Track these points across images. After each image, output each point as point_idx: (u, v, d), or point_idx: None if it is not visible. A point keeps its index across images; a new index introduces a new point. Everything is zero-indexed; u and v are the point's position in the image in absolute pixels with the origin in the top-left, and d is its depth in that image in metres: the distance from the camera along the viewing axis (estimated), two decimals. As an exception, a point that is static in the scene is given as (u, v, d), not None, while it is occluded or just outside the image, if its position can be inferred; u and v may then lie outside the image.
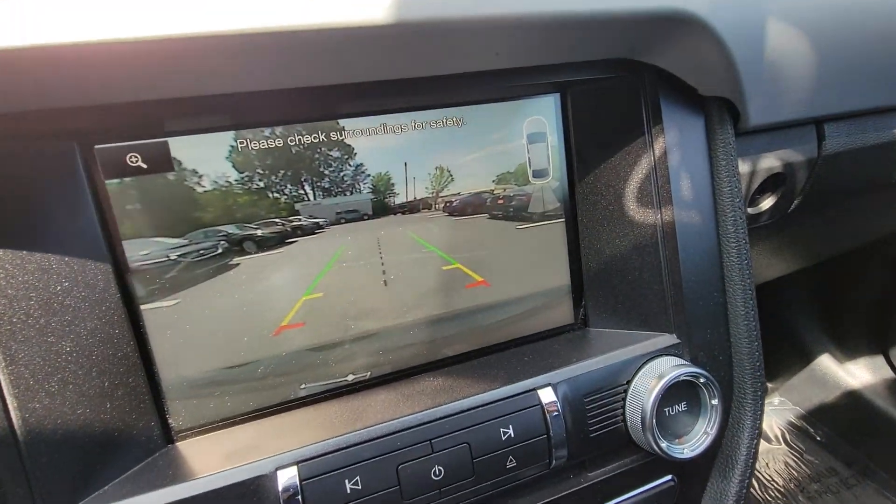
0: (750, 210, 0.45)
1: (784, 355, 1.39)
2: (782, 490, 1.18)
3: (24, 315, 0.26)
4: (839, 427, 1.28)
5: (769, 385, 1.42)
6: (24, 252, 0.26)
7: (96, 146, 0.28)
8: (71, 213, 0.28)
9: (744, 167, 0.41)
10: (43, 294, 0.26)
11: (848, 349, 1.28)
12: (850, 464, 1.18)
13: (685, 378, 0.35)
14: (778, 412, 1.39)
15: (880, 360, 1.23)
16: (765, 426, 1.35)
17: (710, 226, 0.38)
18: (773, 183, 0.44)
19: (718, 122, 0.37)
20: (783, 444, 1.32)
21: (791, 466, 1.24)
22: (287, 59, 0.26)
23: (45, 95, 0.24)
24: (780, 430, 1.35)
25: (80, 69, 0.23)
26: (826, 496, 1.15)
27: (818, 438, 1.28)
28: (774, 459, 1.29)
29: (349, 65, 0.28)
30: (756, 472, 1.20)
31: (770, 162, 0.42)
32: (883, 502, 1.09)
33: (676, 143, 0.37)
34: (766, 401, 1.44)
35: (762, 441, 1.29)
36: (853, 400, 1.25)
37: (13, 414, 0.25)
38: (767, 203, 0.45)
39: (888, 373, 1.21)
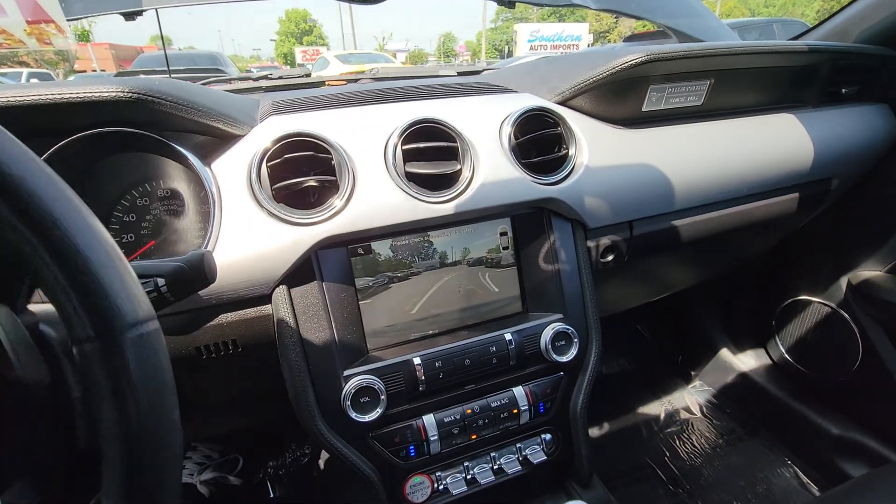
0: (602, 260, 0.99)
1: (700, 350, 1.86)
2: (697, 446, 1.65)
3: (336, 305, 0.79)
4: (737, 400, 1.75)
5: (692, 373, 1.90)
6: (334, 283, 0.79)
7: (349, 246, 0.83)
8: (342, 270, 0.81)
9: (592, 244, 0.94)
10: (339, 298, 0.80)
11: (740, 344, 1.76)
12: (744, 425, 1.67)
13: (562, 330, 0.87)
14: (698, 392, 1.88)
15: (761, 351, 1.71)
16: (688, 402, 1.83)
17: (575, 270, 0.91)
18: (610, 249, 0.97)
19: (576, 227, 0.89)
20: (700, 414, 1.80)
21: (705, 431, 1.72)
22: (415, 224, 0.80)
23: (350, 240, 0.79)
24: (699, 404, 1.83)
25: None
26: (728, 448, 1.63)
27: (725, 410, 1.77)
28: (694, 426, 1.77)
29: (433, 222, 0.83)
30: (680, 434, 1.70)
31: (605, 241, 0.93)
32: (762, 451, 1.56)
33: (559, 236, 0.90)
34: (690, 384, 1.95)
35: (687, 412, 1.82)
36: (745, 380, 1.73)
37: (335, 335, 0.78)
38: (610, 257, 0.98)
39: (766, 360, 1.69)
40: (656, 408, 1.55)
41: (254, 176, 0.72)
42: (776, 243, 1.20)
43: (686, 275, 1.13)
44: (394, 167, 0.68)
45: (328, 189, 0.66)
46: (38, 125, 0.62)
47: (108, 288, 0.23)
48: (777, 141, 0.90)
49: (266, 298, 0.65)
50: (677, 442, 1.46)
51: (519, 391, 0.78)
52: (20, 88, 0.56)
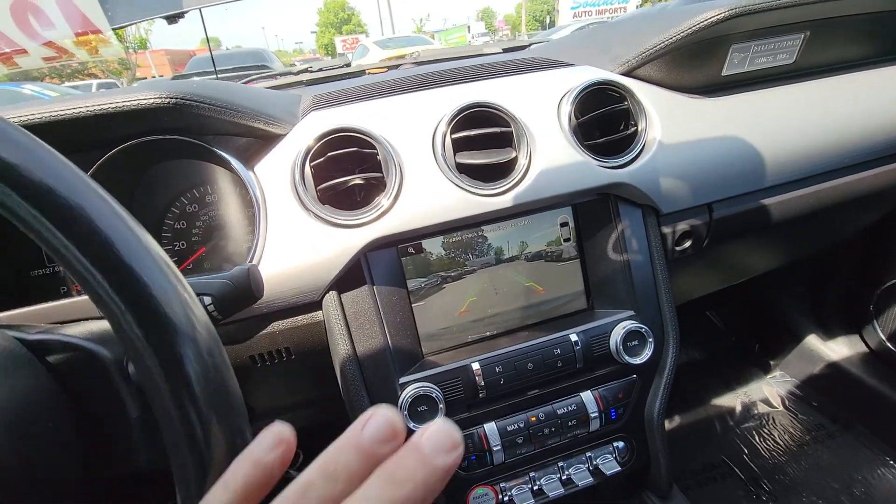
0: (677, 248, 0.88)
1: (782, 337, 1.70)
2: (780, 442, 1.51)
3: (388, 309, 0.75)
4: (826, 392, 1.59)
5: (771, 363, 1.74)
6: (386, 286, 0.75)
7: (399, 246, 0.77)
8: (394, 271, 0.77)
9: (667, 230, 0.84)
10: (392, 301, 0.75)
11: (830, 331, 1.59)
12: (835, 420, 1.51)
13: (635, 329, 0.79)
14: (779, 383, 1.73)
15: (855, 338, 1.53)
16: (767, 394, 1.69)
17: (647, 261, 0.81)
18: (686, 235, 0.86)
19: (647, 213, 0.80)
20: (782, 407, 1.65)
21: (789, 424, 1.57)
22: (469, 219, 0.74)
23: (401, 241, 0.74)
24: (780, 397, 1.68)
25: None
26: (816, 445, 1.49)
27: (811, 402, 1.61)
28: (776, 420, 1.62)
29: (488, 216, 0.76)
30: (759, 429, 1.56)
31: (682, 226, 0.84)
32: (858, 448, 1.41)
33: (628, 223, 0.81)
34: (769, 374, 1.80)
35: (766, 405, 1.67)
36: (835, 370, 1.56)
37: (389, 343, 0.73)
38: (687, 244, 0.88)
39: (862, 348, 1.51)
40: (731, 400, 1.43)
41: (297, 177, 0.68)
42: (878, 219, 1.03)
43: (770, 258, 1.00)
44: (443, 159, 0.64)
45: (375, 187, 0.63)
46: (81, 138, 0.60)
47: (164, 305, 0.23)
48: (887, 98, 0.75)
49: (317, 305, 0.62)
50: (756, 438, 1.35)
51: (588, 396, 0.71)
52: (60, 102, 0.55)
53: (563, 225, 0.74)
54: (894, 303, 1.17)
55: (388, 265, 0.67)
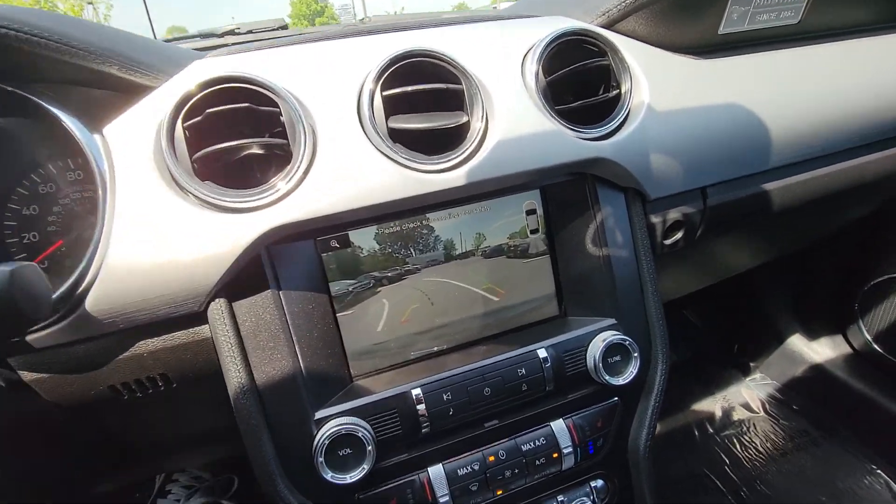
0: (666, 242, 0.73)
1: (763, 337, 1.59)
2: (762, 450, 1.40)
3: (301, 319, 0.57)
4: (809, 396, 1.49)
5: (751, 364, 1.64)
6: (300, 291, 0.57)
7: (318, 238, 0.59)
8: (312, 270, 0.59)
9: (656, 219, 0.69)
10: (306, 309, 0.57)
11: (813, 330, 1.48)
12: (818, 425, 1.40)
13: (618, 342, 0.63)
14: (759, 386, 1.61)
15: (839, 338, 1.43)
16: (747, 398, 1.58)
17: (631, 255, 0.66)
18: (677, 225, 0.72)
19: (631, 199, 0.65)
20: (763, 412, 1.53)
21: (769, 431, 1.46)
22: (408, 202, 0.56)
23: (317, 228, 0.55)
24: (761, 401, 1.57)
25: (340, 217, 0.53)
26: (799, 453, 1.38)
27: (793, 406, 1.50)
28: (756, 426, 1.51)
29: (434, 199, 0.59)
30: (740, 436, 1.45)
31: (673, 214, 0.70)
32: (844, 455, 1.31)
33: (609, 212, 0.65)
34: (749, 377, 1.68)
35: (746, 410, 1.55)
36: (819, 372, 1.46)
37: (302, 365, 0.56)
38: (678, 236, 0.73)
39: (846, 349, 1.41)
40: (709, 405, 1.32)
41: (164, 142, 0.49)
42: (872, 210, 0.92)
43: (761, 253, 0.92)
44: (371, 123, 0.52)
45: (279, 159, 0.51)
46: None
47: None
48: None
49: (200, 317, 0.47)
50: (737, 446, 1.27)
51: (559, 426, 0.61)
52: None
53: (530, 213, 0.64)
54: (880, 301, 1.11)
55: (302, 264, 0.56)
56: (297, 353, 0.52)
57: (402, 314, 0.60)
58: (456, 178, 0.53)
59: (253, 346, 0.51)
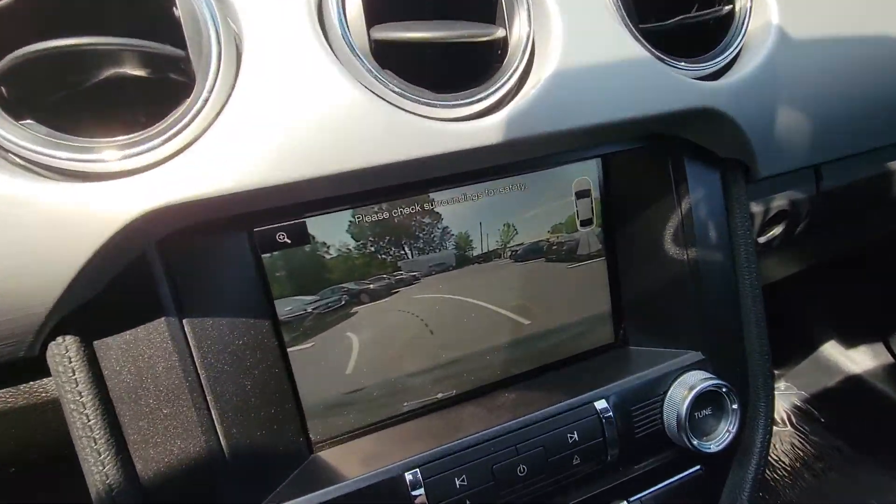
0: (760, 239, 0.53)
1: (790, 343, 1.43)
2: (789, 469, 1.24)
3: (222, 365, 0.34)
4: (842, 409, 1.32)
5: (776, 372, 1.48)
6: (219, 318, 0.35)
7: (255, 229, 0.37)
8: (243, 282, 0.37)
9: (755, 208, 0.49)
10: (232, 346, 0.35)
11: (851, 337, 1.33)
12: (852, 442, 1.24)
13: (711, 389, 0.44)
14: (784, 397, 1.45)
15: (880, 346, 1.28)
16: (772, 410, 1.40)
17: (727, 262, 0.46)
18: (779, 216, 0.51)
19: (732, 177, 0.46)
20: (789, 426, 1.37)
21: (797, 447, 1.29)
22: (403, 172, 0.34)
23: (234, 207, 0.33)
24: (787, 413, 1.40)
25: (268, 194, 0.31)
26: (830, 473, 1.21)
27: (822, 420, 1.34)
28: (781, 441, 1.34)
29: (444, 168, 0.36)
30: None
31: (777, 202, 0.51)
32: (882, 478, 1.15)
33: (699, 195, 0.45)
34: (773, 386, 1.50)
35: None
36: (855, 384, 1.30)
37: (222, 442, 0.34)
38: (776, 231, 0.53)
39: (888, 358, 1.26)
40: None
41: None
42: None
43: (843, 248, 0.81)
44: (342, 30, 0.31)
45: (171, 89, 0.30)
46: None
47: None
48: None
49: (37, 365, 0.30)
50: None
51: None
52: None
53: (582, 195, 0.47)
54: (937, 307, 1.03)
55: (226, 272, 0.38)
56: (215, 418, 0.30)
57: (389, 347, 0.45)
58: (483, 133, 0.32)
59: (131, 415, 0.29)
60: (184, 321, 0.34)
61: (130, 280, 0.32)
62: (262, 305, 0.39)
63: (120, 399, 0.32)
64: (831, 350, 1.39)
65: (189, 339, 0.34)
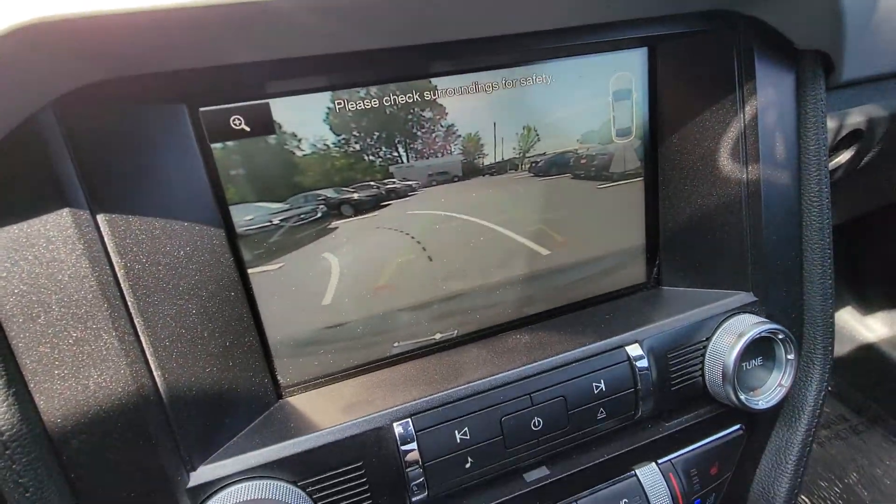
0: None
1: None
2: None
3: (156, 280, 0.26)
4: (851, 377, 1.28)
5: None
6: (150, 218, 0.26)
7: (201, 109, 0.28)
8: (186, 179, 0.28)
9: (831, 123, 0.40)
10: (170, 258, 0.27)
11: (868, 303, 1.27)
12: (860, 411, 1.20)
13: (765, 335, 0.36)
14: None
15: (900, 315, 1.21)
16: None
17: (793, 184, 0.38)
18: (850, 137, 0.43)
19: (811, 77, 0.36)
20: None
21: None
22: (382, 15, 0.25)
23: (152, 59, 0.24)
24: None
25: (187, 32, 0.22)
26: (835, 441, 1.17)
27: (829, 388, 1.29)
28: None
29: (443, 21, 0.27)
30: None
31: (853, 118, 0.41)
32: (889, 447, 1.11)
33: (769, 99, 0.36)
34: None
35: None
36: (867, 352, 1.25)
37: (156, 374, 0.26)
38: (843, 158, 0.45)
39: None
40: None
41: None
42: None
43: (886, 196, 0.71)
44: None
45: None
46: None
47: None
48: None
49: None
50: None
51: (651, 475, 0.38)
52: None
53: (621, 96, 0.38)
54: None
55: (157, 157, 0.28)
56: (145, 347, 0.23)
57: (377, 274, 0.36)
58: None
59: (26, 338, 0.22)
60: (98, 216, 0.25)
61: (17, 152, 0.24)
62: (211, 210, 0.30)
63: (10, 316, 0.25)
64: (846, 317, 1.33)
65: (105, 240, 0.26)
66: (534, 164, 0.38)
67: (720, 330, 0.39)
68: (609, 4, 0.30)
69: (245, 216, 0.32)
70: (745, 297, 0.40)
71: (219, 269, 0.31)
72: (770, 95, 0.37)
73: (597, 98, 0.38)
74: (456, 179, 0.36)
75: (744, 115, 0.38)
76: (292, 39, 0.27)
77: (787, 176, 0.39)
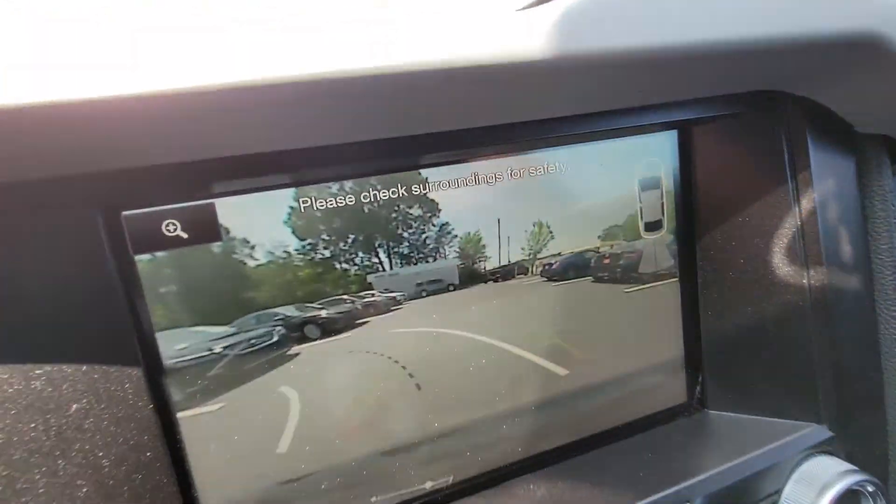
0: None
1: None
2: None
3: (29, 452, 0.19)
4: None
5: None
6: (30, 364, 0.19)
7: (124, 213, 0.22)
8: (93, 302, 0.21)
9: None
10: (55, 419, 0.19)
11: None
12: None
13: (854, 486, 0.27)
14: None
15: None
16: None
17: (867, 292, 0.31)
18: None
19: (876, 164, 0.30)
20: None
21: None
22: (364, 108, 0.19)
23: (60, 161, 0.18)
24: None
25: (105, 129, 0.16)
26: None
27: None
28: None
29: (439, 113, 0.22)
30: None
31: None
32: None
33: (828, 190, 0.30)
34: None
35: None
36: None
37: None
38: None
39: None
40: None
41: None
42: None
43: None
44: None
45: None
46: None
47: None
48: None
49: None
50: None
51: None
52: None
53: (649, 185, 0.32)
54: None
55: (65, 274, 0.21)
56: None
57: (349, 410, 0.29)
58: (529, 36, 0.16)
59: None
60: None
61: None
62: (133, 343, 0.23)
63: None
64: None
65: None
66: (547, 267, 0.31)
67: (794, 478, 0.30)
68: (638, 88, 0.25)
69: (176, 345, 0.25)
70: (819, 432, 0.32)
71: (131, 423, 0.23)
72: (829, 186, 0.31)
73: (621, 187, 0.32)
74: (451, 289, 0.30)
75: (800, 210, 0.31)
76: (244, 135, 0.21)
77: (858, 282, 0.32)
